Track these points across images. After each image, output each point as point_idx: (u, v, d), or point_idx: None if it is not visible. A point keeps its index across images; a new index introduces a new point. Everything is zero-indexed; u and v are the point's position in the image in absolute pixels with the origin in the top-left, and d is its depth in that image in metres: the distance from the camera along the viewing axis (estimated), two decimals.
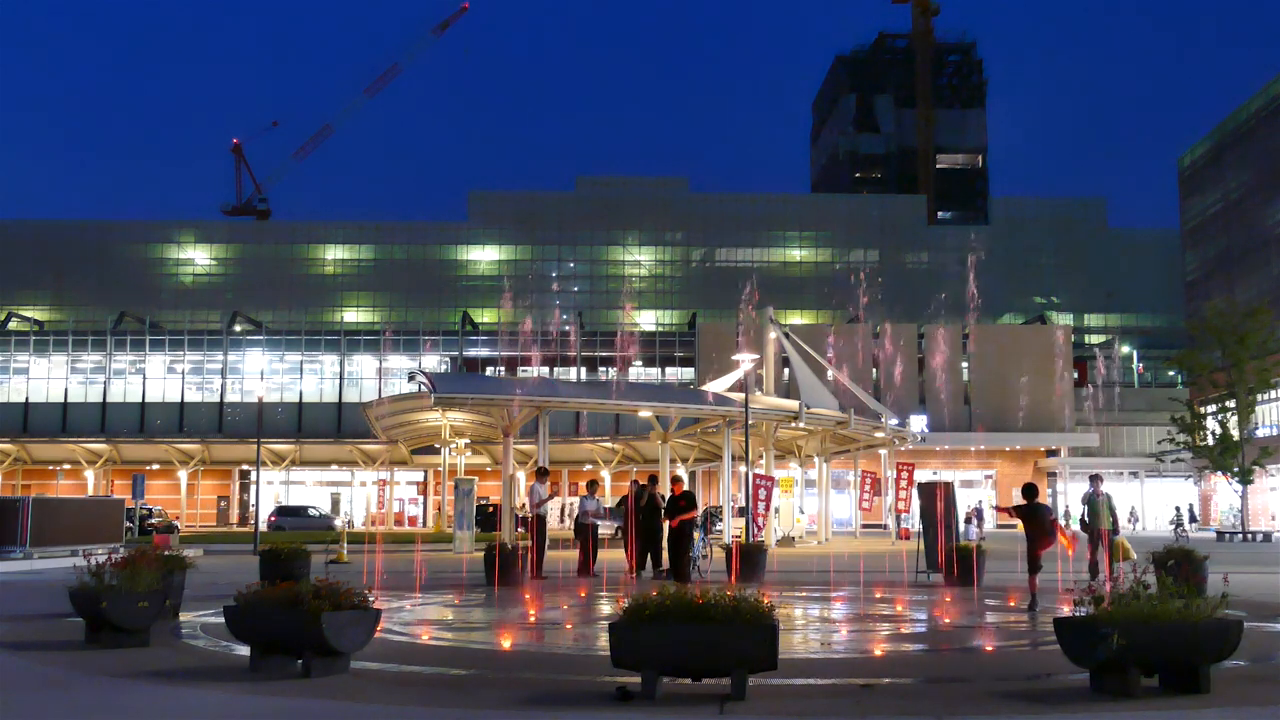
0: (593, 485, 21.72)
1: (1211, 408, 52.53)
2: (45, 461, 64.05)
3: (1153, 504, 62.33)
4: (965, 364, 69.05)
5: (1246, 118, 73.06)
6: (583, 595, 16.96)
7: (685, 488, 20.17)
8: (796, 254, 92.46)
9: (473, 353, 74.15)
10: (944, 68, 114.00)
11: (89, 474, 61.77)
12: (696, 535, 19.71)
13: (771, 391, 45.16)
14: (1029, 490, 15.40)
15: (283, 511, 55.31)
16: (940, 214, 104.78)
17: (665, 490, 24.94)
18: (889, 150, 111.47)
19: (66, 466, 63.91)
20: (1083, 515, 18.22)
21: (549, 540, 21.78)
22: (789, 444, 43.31)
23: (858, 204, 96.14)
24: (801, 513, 55.66)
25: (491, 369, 73.10)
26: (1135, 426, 70.60)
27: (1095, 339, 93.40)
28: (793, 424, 36.38)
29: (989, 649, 9.35)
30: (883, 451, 47.26)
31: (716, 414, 34.53)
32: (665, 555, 19.74)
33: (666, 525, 19.30)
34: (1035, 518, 15.02)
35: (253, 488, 55.74)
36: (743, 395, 32.50)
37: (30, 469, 63.65)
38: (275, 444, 61.29)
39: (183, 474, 62.12)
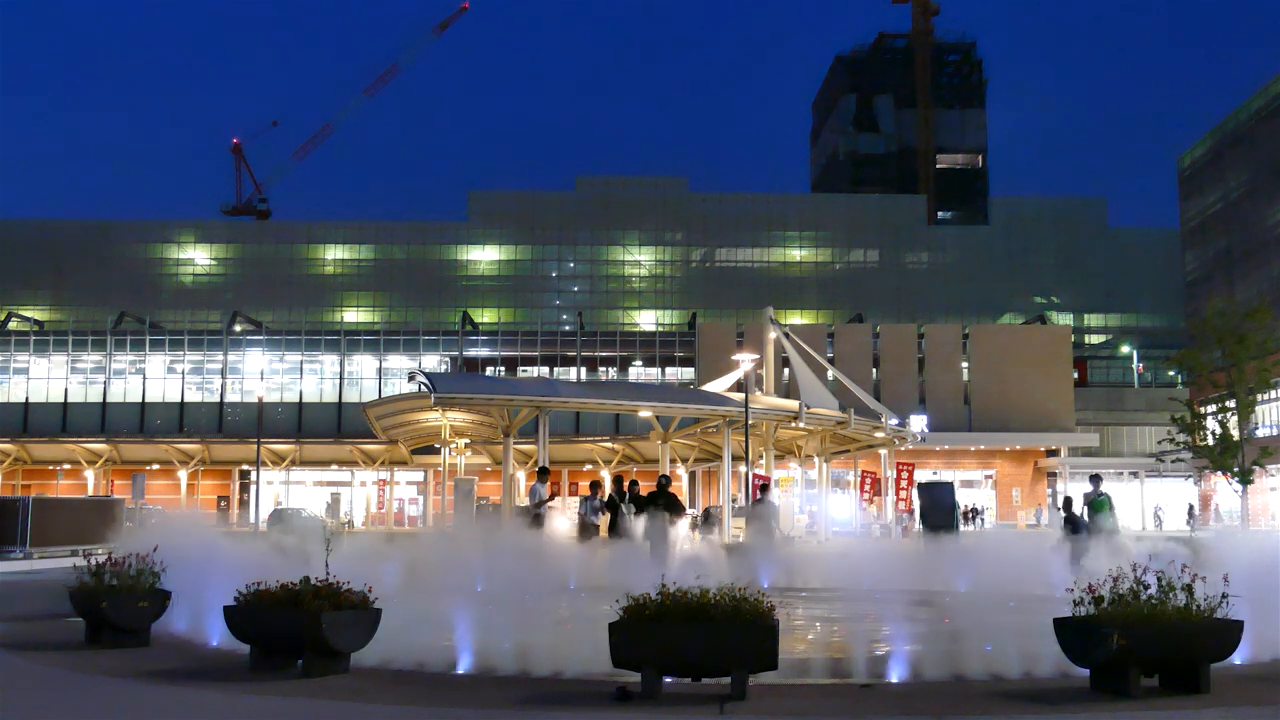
0: (595, 486, 21.51)
1: (1211, 408, 52.48)
2: (45, 461, 64.04)
3: (1149, 503, 62.28)
4: (965, 364, 69.01)
5: (1246, 118, 73.03)
6: (582, 595, 16.94)
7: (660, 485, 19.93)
8: (796, 254, 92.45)
9: (473, 353, 74.12)
10: (944, 68, 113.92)
11: (89, 474, 61.78)
12: (695, 533, 19.63)
13: (771, 391, 45.18)
14: None
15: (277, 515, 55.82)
16: (940, 214, 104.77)
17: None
18: (889, 150, 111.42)
19: (66, 466, 63.90)
20: (1083, 515, 18.23)
21: None
22: (789, 444, 43.32)
23: (858, 204, 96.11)
24: (802, 512, 55.70)
25: (491, 369, 73.08)
26: (1135, 426, 70.59)
27: (1095, 339, 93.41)
28: (793, 424, 36.40)
29: (988, 648, 9.37)
30: (883, 451, 47.27)
31: (716, 414, 34.53)
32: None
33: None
34: None
35: (253, 488, 55.75)
36: (742, 395, 32.52)
37: (30, 469, 63.65)
38: (275, 444, 61.29)
39: (183, 474, 62.13)
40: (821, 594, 17.00)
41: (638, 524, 18.28)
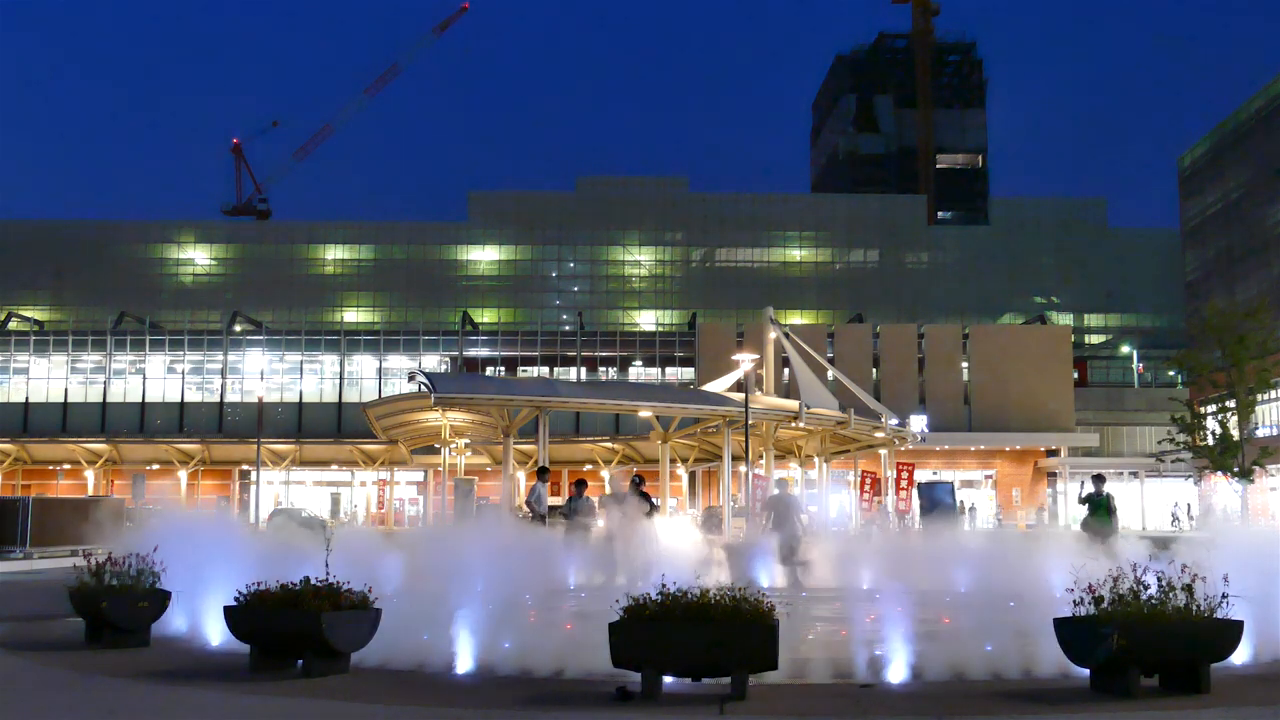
0: (581, 484, 20.61)
1: (1211, 408, 52.50)
2: (45, 461, 64.04)
3: (1154, 504, 62.18)
4: (965, 364, 68.99)
5: (1246, 118, 73.04)
6: (581, 595, 16.94)
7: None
8: (796, 254, 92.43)
9: (473, 353, 74.12)
10: (944, 68, 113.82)
11: (89, 474, 61.77)
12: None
13: (771, 391, 45.15)
14: None
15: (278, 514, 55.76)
16: (940, 214, 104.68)
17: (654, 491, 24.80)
18: (889, 150, 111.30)
19: (66, 466, 63.89)
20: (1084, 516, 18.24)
21: None
22: (789, 444, 43.30)
23: (858, 204, 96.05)
24: (804, 513, 55.68)
25: (491, 369, 73.07)
26: (1135, 426, 70.57)
27: (1095, 339, 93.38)
28: (793, 424, 36.36)
29: (988, 648, 9.38)
30: (883, 451, 47.24)
31: (716, 414, 34.50)
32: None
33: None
34: None
35: (253, 488, 55.77)
36: (742, 395, 32.52)
37: (30, 469, 63.64)
38: (275, 444, 61.27)
39: (183, 474, 62.13)
40: (821, 593, 17.00)
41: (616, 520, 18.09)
